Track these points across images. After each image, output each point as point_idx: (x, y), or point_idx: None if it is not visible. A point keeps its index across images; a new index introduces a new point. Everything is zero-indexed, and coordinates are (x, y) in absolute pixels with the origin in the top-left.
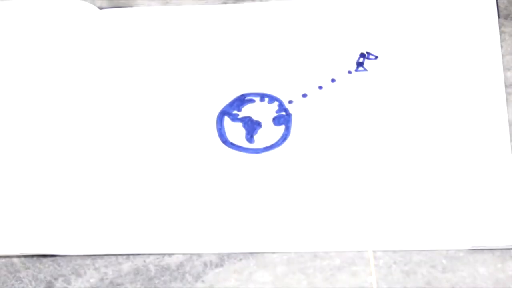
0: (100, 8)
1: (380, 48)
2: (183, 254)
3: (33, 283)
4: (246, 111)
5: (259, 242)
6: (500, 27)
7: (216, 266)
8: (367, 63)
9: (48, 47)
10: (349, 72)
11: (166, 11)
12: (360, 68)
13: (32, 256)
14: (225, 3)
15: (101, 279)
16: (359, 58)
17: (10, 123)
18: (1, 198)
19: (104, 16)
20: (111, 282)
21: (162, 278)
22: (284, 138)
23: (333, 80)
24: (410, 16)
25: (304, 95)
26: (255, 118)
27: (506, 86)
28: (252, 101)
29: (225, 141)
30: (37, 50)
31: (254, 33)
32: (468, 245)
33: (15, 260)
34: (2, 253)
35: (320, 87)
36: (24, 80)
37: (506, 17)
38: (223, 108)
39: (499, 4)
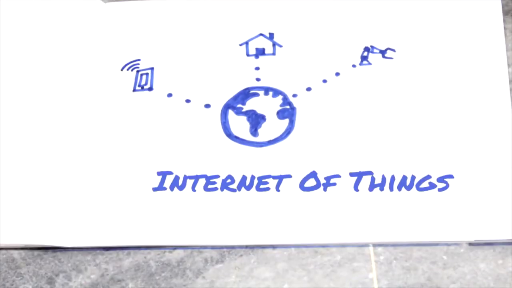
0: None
1: (384, 42)
2: (185, 248)
3: (34, 279)
4: (251, 104)
5: (261, 235)
6: None
7: (217, 262)
8: (371, 57)
9: (54, 42)
10: (353, 65)
11: (171, 4)
12: (365, 62)
13: (33, 250)
14: None
15: (102, 275)
16: (363, 52)
17: (13, 116)
18: (3, 189)
19: (109, 10)
20: (111, 278)
21: (163, 274)
22: (288, 131)
23: (337, 74)
24: (416, 11)
25: (308, 89)
26: (259, 111)
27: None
28: (257, 94)
29: (229, 134)
30: (42, 45)
31: (257, 27)
32: (468, 238)
33: (16, 256)
34: (3, 244)
35: (325, 81)
36: (27, 75)
37: (507, 13)
38: (227, 102)
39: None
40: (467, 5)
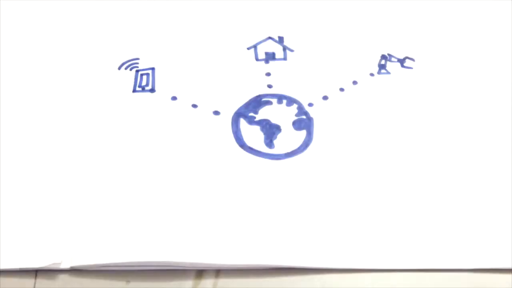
0: None
1: (402, 50)
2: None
3: None
4: (263, 113)
5: (278, 255)
6: None
7: None
8: (389, 65)
9: (50, 39)
10: (371, 74)
11: (174, 4)
12: (383, 70)
13: None
14: None
15: None
16: (380, 60)
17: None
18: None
19: (111, 7)
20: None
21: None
22: (306, 144)
23: (355, 82)
24: (432, 18)
25: (325, 98)
26: (273, 121)
27: None
28: (269, 103)
29: (242, 145)
30: (39, 44)
31: (265, 29)
32: (468, 265)
33: None
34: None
35: (342, 89)
36: (22, 76)
37: None
38: (238, 110)
39: None
40: (483, 10)
